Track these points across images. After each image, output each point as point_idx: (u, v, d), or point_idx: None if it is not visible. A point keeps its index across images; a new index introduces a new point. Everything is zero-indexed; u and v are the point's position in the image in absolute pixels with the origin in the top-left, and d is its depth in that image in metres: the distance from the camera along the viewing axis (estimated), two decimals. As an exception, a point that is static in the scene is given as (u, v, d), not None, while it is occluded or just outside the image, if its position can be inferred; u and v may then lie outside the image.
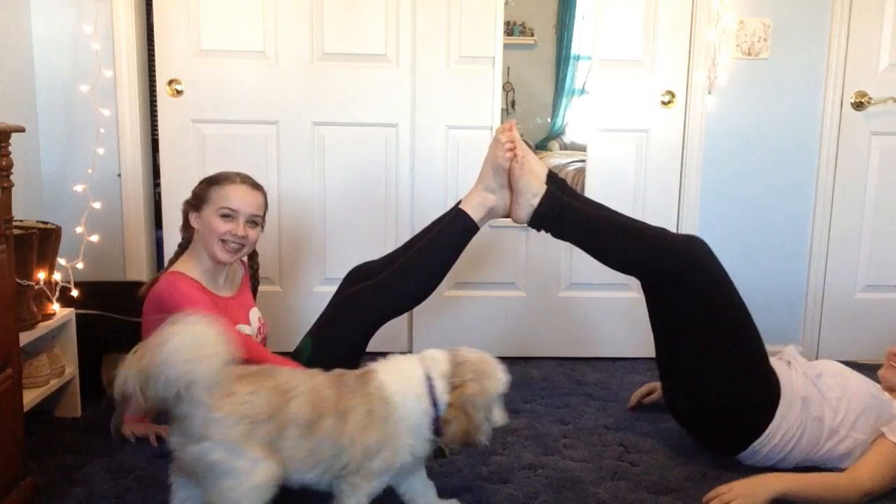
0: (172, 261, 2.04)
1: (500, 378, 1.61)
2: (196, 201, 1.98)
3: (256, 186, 2.01)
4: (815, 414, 1.94)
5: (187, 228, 2.02)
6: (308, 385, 1.52)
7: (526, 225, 2.08)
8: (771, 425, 1.94)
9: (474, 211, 2.03)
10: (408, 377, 1.58)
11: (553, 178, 2.15)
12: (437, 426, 1.56)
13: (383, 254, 2.85)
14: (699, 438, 2.12)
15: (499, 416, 1.62)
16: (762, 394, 1.96)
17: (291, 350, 2.07)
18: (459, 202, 2.12)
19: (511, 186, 2.05)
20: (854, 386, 1.98)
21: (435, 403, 1.56)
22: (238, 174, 2.00)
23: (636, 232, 2.03)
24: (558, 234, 2.07)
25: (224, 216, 1.94)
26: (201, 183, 2.00)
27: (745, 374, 1.97)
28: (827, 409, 1.95)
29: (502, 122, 2.92)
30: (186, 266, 1.97)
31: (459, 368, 1.58)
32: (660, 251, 1.98)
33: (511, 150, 2.02)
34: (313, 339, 2.00)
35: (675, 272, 1.97)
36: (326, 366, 1.65)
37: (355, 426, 1.50)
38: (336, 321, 1.99)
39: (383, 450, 1.53)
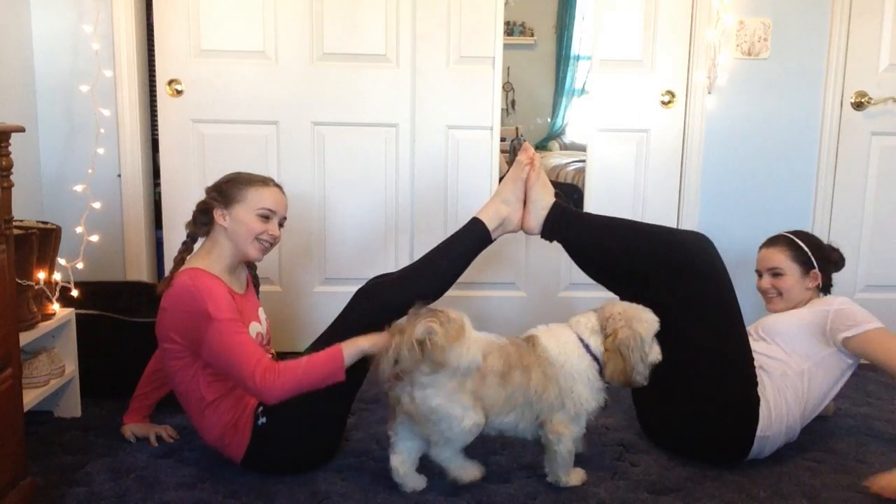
0: (182, 258, 2.01)
1: (649, 319, 1.83)
2: (225, 198, 1.96)
3: (282, 189, 2.06)
4: (777, 372, 2.04)
5: (199, 225, 2.01)
6: (495, 344, 1.81)
7: (539, 236, 2.14)
8: (762, 408, 1.97)
9: (489, 220, 2.08)
10: (564, 342, 1.85)
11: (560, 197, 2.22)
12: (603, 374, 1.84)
13: (383, 253, 2.87)
14: (693, 454, 2.06)
15: (655, 354, 1.83)
16: (746, 385, 1.98)
17: (292, 350, 2.06)
18: (483, 224, 2.16)
19: (525, 198, 2.12)
20: (784, 323, 2.15)
21: (596, 358, 1.84)
22: (269, 179, 2.04)
23: (642, 229, 2.10)
24: (567, 240, 2.13)
25: (262, 216, 1.96)
26: (230, 181, 1.99)
27: (730, 370, 1.98)
28: (779, 361, 2.06)
29: (502, 122, 2.94)
30: (205, 262, 1.95)
31: (609, 321, 1.84)
32: (666, 245, 2.01)
33: (529, 165, 2.11)
34: (319, 339, 2.00)
35: (680, 266, 1.97)
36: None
37: (537, 381, 1.79)
38: (346, 315, 2.00)
39: (566, 402, 1.81)
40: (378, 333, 1.81)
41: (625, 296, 2.00)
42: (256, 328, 1.97)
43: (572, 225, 2.11)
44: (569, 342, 1.85)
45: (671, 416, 2.07)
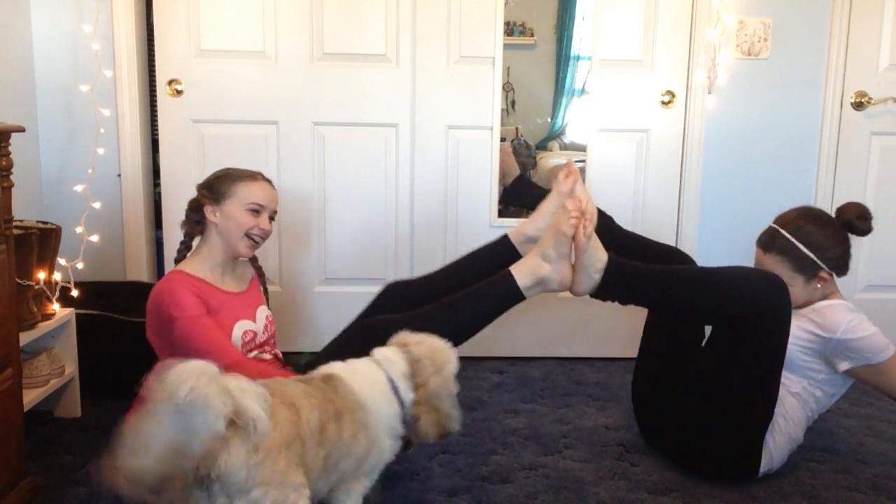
0: (179, 259, 2.03)
1: (453, 359, 1.64)
2: (215, 195, 1.98)
3: (271, 183, 2.06)
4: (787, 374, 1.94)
5: (192, 223, 2.02)
6: (299, 390, 1.44)
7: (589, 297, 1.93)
8: (765, 450, 1.93)
9: (523, 277, 1.85)
10: (373, 381, 1.56)
11: (602, 218, 2.09)
12: (407, 422, 1.59)
13: (383, 254, 2.87)
14: (699, 470, 1.98)
15: (455, 391, 1.63)
16: (761, 430, 1.90)
17: (293, 350, 2.06)
18: (507, 237, 2.08)
19: (572, 257, 1.87)
20: None
21: (402, 403, 1.57)
22: (258, 173, 2.04)
23: (709, 282, 1.85)
24: (626, 301, 1.92)
25: (252, 211, 1.97)
26: (219, 178, 2.00)
27: (752, 416, 1.88)
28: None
29: (502, 122, 2.94)
30: (195, 262, 1.97)
31: (417, 366, 1.59)
32: (737, 302, 1.80)
33: (577, 218, 1.82)
34: (321, 354, 1.99)
35: (746, 320, 1.80)
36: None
37: (349, 431, 1.46)
38: (350, 341, 1.93)
39: (371, 453, 1.53)
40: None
41: (668, 326, 1.99)
42: (246, 326, 1.96)
43: (632, 286, 1.87)
44: (378, 383, 1.56)
45: (677, 436, 1.99)
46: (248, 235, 1.97)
